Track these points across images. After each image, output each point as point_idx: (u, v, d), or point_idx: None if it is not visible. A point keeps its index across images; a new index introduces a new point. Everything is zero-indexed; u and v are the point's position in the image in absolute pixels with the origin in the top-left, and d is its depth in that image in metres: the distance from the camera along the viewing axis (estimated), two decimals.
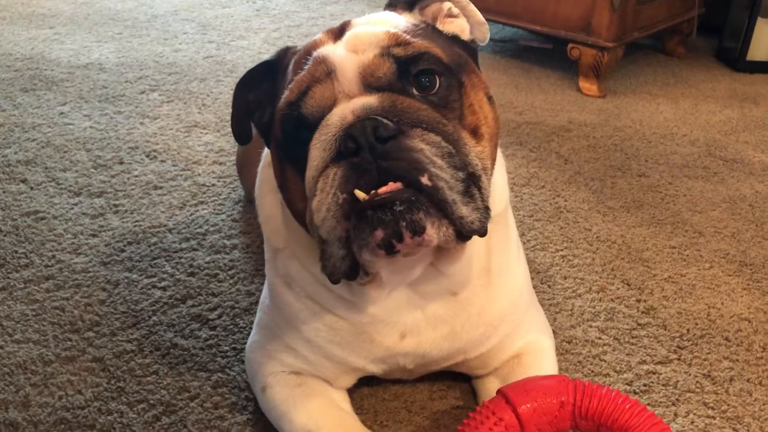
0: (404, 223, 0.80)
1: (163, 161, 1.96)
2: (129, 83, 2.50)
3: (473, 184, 0.85)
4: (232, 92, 2.64)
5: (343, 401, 1.12)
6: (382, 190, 0.80)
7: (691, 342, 1.34)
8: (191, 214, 1.72)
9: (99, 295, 1.42)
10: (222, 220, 1.70)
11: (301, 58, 0.93)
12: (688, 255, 1.62)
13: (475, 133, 0.91)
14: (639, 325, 1.38)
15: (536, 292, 1.29)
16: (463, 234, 0.84)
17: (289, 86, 0.91)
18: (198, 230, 1.65)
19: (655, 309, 1.43)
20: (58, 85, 2.46)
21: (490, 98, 0.97)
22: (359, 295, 1.00)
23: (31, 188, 1.80)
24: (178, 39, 3.01)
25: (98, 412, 1.15)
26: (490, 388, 1.14)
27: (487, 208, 0.87)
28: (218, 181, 1.87)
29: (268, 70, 1.01)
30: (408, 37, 0.90)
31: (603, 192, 1.88)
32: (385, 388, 1.21)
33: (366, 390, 1.20)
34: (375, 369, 1.09)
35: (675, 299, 1.46)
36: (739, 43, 2.81)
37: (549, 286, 1.49)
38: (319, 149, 0.85)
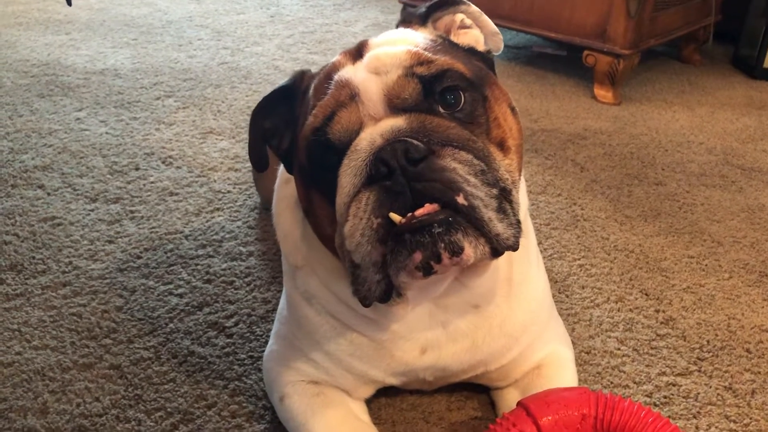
0: (443, 245, 0.79)
1: (178, 167, 1.97)
2: (144, 89, 2.52)
3: (505, 199, 0.84)
4: (247, 98, 2.64)
5: (362, 411, 1.12)
6: (419, 212, 0.79)
7: (711, 353, 1.33)
8: (207, 221, 1.72)
9: (116, 302, 1.43)
10: (238, 227, 1.70)
11: (322, 82, 0.92)
12: (706, 265, 1.60)
13: (502, 146, 0.90)
14: (658, 335, 1.37)
15: (554, 302, 1.28)
16: (498, 251, 0.83)
17: (313, 112, 0.89)
18: (214, 237, 1.65)
19: (674, 320, 1.42)
20: (74, 90, 2.47)
21: (513, 109, 0.96)
22: (382, 313, 0.99)
23: (48, 194, 1.81)
24: (193, 45, 3.02)
25: (116, 420, 1.15)
26: (509, 399, 1.13)
27: (518, 222, 0.86)
28: (234, 188, 1.87)
29: (283, 95, 1.00)
30: (429, 54, 0.89)
31: (620, 200, 1.87)
32: (402, 398, 1.20)
33: (384, 400, 1.19)
34: (394, 381, 1.09)
35: (694, 310, 1.45)
36: (755, 51, 2.79)
37: (567, 296, 1.48)
38: (349, 175, 0.84)
